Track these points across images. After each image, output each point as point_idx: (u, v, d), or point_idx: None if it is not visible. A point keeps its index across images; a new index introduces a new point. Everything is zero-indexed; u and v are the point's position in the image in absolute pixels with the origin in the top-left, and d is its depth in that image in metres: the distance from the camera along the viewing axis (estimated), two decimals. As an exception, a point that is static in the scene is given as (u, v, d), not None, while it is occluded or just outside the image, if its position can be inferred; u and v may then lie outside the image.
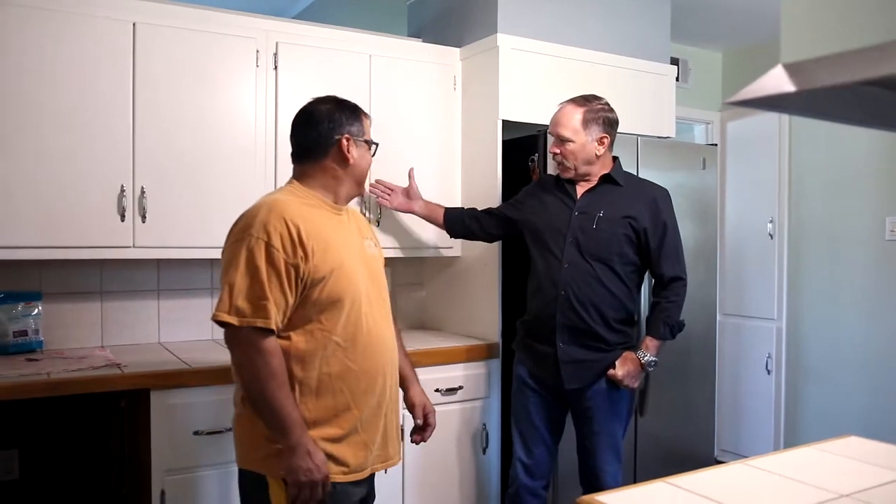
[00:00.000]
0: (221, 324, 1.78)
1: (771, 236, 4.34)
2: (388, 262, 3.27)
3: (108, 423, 2.72)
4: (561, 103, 2.62)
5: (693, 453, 3.33)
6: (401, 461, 2.51)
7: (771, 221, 4.34)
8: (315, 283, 1.83)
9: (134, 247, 2.65)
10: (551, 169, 2.96)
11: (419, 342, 3.06)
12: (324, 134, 1.98)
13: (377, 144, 2.09)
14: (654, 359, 2.54)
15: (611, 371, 2.51)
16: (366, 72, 3.08)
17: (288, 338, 1.84)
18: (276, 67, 2.90)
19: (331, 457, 1.84)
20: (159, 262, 3.02)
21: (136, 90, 2.64)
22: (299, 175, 2.01)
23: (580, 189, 2.61)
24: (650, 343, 2.55)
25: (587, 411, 2.57)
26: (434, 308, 3.54)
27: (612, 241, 2.52)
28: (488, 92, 3.11)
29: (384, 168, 3.06)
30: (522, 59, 3.10)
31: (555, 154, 2.59)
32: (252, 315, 1.75)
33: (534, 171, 3.03)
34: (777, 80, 1.09)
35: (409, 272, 3.58)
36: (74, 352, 2.74)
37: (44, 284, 2.83)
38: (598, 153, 2.56)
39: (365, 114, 2.08)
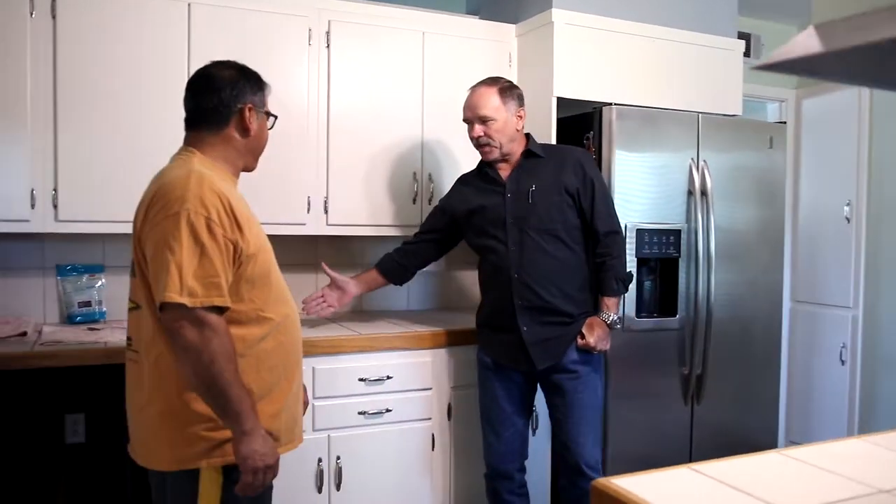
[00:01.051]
0: (167, 306, 1.62)
1: (848, 220, 4.13)
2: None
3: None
4: (470, 88, 2.58)
5: (754, 443, 3.21)
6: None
7: (848, 204, 4.12)
8: (248, 259, 1.74)
9: (189, 222, 2.71)
10: (605, 146, 2.89)
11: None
12: (225, 101, 1.84)
13: (276, 117, 1.98)
14: (616, 317, 2.56)
15: (581, 341, 2.49)
16: (419, 49, 3.06)
17: (227, 316, 1.72)
18: (328, 46, 2.91)
19: (269, 434, 1.76)
20: (216, 238, 3.09)
21: (190, 70, 2.69)
22: (196, 143, 1.85)
23: (503, 172, 2.58)
24: (609, 302, 2.53)
25: (559, 383, 2.53)
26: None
27: (552, 209, 2.49)
28: (543, 69, 3.04)
29: (438, 147, 3.04)
30: (578, 35, 3.02)
31: (479, 137, 2.52)
32: (205, 294, 1.63)
33: (589, 148, 2.96)
34: (806, 42, 1.02)
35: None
36: (134, 323, 2.84)
37: (106, 257, 2.94)
38: (518, 128, 2.55)
39: (267, 84, 1.97)
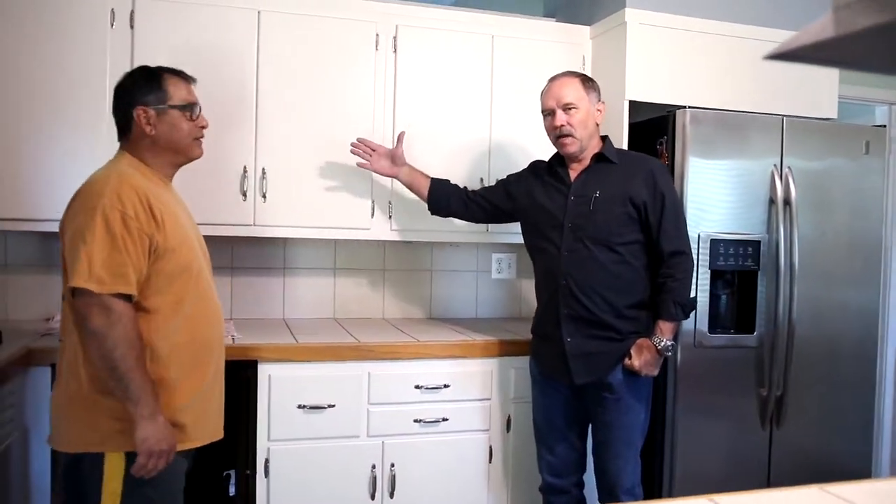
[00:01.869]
0: (74, 292, 1.73)
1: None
2: (515, 248, 3.24)
3: (231, 390, 2.88)
4: (549, 79, 2.47)
5: (843, 471, 2.97)
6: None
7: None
8: (166, 253, 1.81)
9: (254, 225, 2.77)
10: (678, 152, 2.75)
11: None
12: (121, 111, 1.93)
13: (192, 105, 1.95)
14: (670, 343, 2.36)
15: (627, 361, 2.35)
16: (488, 53, 3.01)
17: (140, 307, 1.80)
18: (395, 50, 2.91)
19: (174, 422, 1.82)
20: (286, 241, 3.15)
21: (259, 75, 2.76)
22: (125, 148, 1.94)
23: (573, 172, 2.45)
24: (664, 326, 2.35)
25: (601, 402, 2.40)
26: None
27: (611, 221, 2.34)
28: (615, 71, 2.93)
29: (506, 153, 2.98)
30: (652, 35, 2.89)
31: (561, 126, 2.38)
32: (112, 282, 1.72)
33: (662, 154, 2.83)
34: (821, 27, 0.91)
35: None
36: (202, 322, 2.93)
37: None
38: (597, 122, 2.44)
39: (176, 76, 1.96)
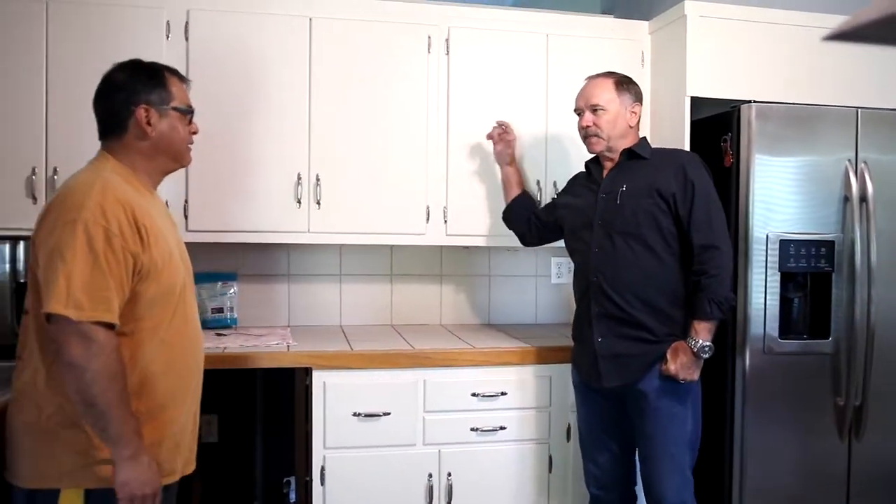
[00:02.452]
0: (49, 317, 1.55)
1: None
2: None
3: (292, 397, 2.89)
4: (585, 78, 2.45)
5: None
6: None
7: None
8: (150, 275, 1.64)
9: (309, 232, 2.77)
10: (744, 149, 2.62)
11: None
12: (118, 106, 1.73)
13: (191, 109, 1.83)
14: (706, 344, 2.22)
15: (663, 367, 2.23)
16: (542, 52, 2.94)
17: (118, 332, 1.61)
18: (447, 52, 2.87)
19: None
20: (341, 248, 3.15)
21: (312, 82, 2.75)
22: (112, 150, 1.76)
23: (605, 171, 2.40)
24: (698, 326, 2.23)
25: (640, 413, 2.29)
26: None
27: (639, 213, 2.26)
28: (676, 67, 2.82)
29: (563, 154, 2.91)
30: (714, 28, 2.76)
31: (587, 127, 2.36)
32: (92, 308, 1.53)
33: (726, 152, 2.70)
34: (881, 4, 0.83)
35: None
36: (260, 330, 2.94)
37: (239, 266, 3.07)
38: (631, 124, 2.36)
39: (177, 76, 1.83)
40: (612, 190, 2.36)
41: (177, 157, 1.84)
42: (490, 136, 2.80)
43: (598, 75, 2.44)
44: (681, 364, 2.22)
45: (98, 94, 1.77)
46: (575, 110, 2.46)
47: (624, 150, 2.38)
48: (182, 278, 1.77)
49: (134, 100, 1.73)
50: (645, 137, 2.46)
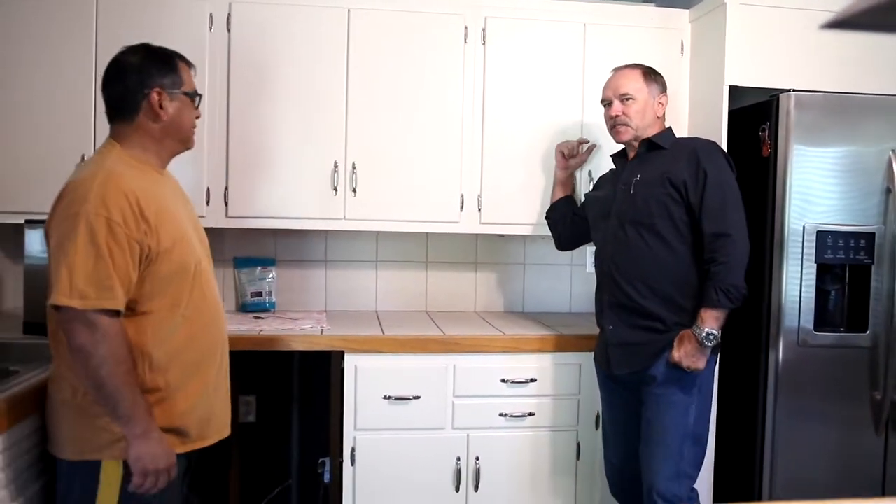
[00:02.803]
0: (60, 308, 1.61)
1: None
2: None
3: (328, 379, 2.97)
4: (612, 71, 2.47)
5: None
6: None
7: None
8: (159, 257, 1.70)
9: (345, 219, 2.83)
10: (782, 139, 2.59)
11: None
12: (132, 88, 1.77)
13: (200, 96, 1.90)
14: (710, 331, 2.19)
15: (669, 355, 2.22)
16: (579, 42, 2.93)
17: (135, 313, 1.69)
18: (484, 42, 2.89)
19: (175, 429, 1.75)
20: (378, 235, 3.20)
21: (349, 72, 2.81)
22: (116, 135, 1.81)
23: (628, 162, 2.41)
24: (705, 314, 2.20)
25: (645, 397, 2.29)
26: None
27: (650, 202, 2.26)
28: (715, 55, 2.79)
29: (600, 143, 2.89)
30: (755, 15, 2.72)
31: (616, 116, 2.37)
32: (96, 297, 1.60)
33: (764, 142, 2.67)
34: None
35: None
36: (296, 314, 3.02)
37: (278, 252, 3.16)
38: (658, 114, 2.36)
39: (185, 62, 1.87)
40: (629, 180, 2.36)
41: (184, 140, 1.89)
42: (572, 153, 2.82)
43: (625, 66, 2.46)
44: (685, 352, 2.21)
45: (108, 77, 1.81)
46: (602, 101, 2.47)
47: (643, 140, 2.38)
48: (197, 256, 1.82)
49: (148, 83, 1.78)
50: (670, 128, 2.45)
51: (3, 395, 1.71)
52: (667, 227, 2.26)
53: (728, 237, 2.20)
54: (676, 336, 2.25)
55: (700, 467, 2.33)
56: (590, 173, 2.92)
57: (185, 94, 1.84)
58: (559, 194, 2.83)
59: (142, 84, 1.78)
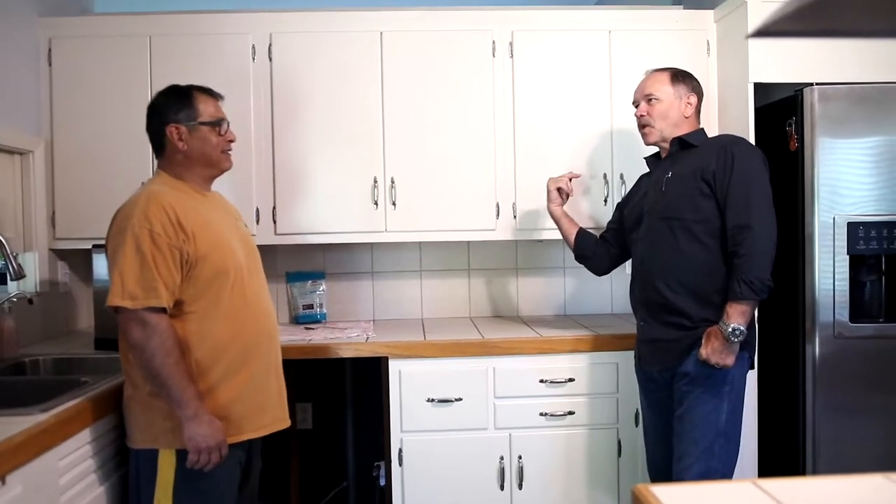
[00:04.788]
0: (116, 309, 1.88)
1: None
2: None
3: (380, 385, 3.10)
4: (644, 72, 2.50)
5: None
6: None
7: None
8: (198, 261, 1.92)
9: (386, 231, 2.98)
10: (808, 133, 2.61)
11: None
12: (155, 128, 2.04)
13: (220, 121, 2.06)
14: (737, 327, 2.15)
15: (698, 352, 2.22)
16: (605, 49, 3.01)
17: (182, 314, 1.93)
18: (511, 55, 3.00)
19: (225, 417, 1.93)
20: (421, 245, 3.34)
21: (384, 91, 2.96)
22: (160, 166, 2.09)
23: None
24: (730, 309, 2.18)
25: (677, 395, 2.29)
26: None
27: (682, 198, 2.27)
28: (738, 54, 2.83)
29: (629, 148, 2.96)
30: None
31: (641, 116, 2.40)
32: (144, 297, 1.85)
33: (791, 136, 2.69)
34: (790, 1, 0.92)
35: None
36: (345, 324, 3.18)
37: (327, 265, 3.32)
38: (686, 114, 2.35)
39: (205, 93, 2.07)
40: (661, 178, 2.39)
41: (211, 164, 2.09)
42: (560, 189, 2.73)
43: (657, 69, 2.49)
44: (712, 349, 2.20)
45: (146, 120, 2.09)
46: (633, 103, 2.51)
47: (674, 138, 2.38)
48: (237, 261, 2.02)
49: (164, 120, 2.03)
50: (702, 129, 2.44)
51: (86, 395, 1.97)
52: (698, 222, 2.26)
53: (749, 229, 2.17)
54: (704, 333, 2.24)
55: (734, 466, 2.29)
56: (622, 176, 2.99)
57: (203, 123, 2.03)
58: (573, 227, 2.75)
59: (161, 123, 2.03)
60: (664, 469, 2.45)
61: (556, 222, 2.78)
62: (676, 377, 2.32)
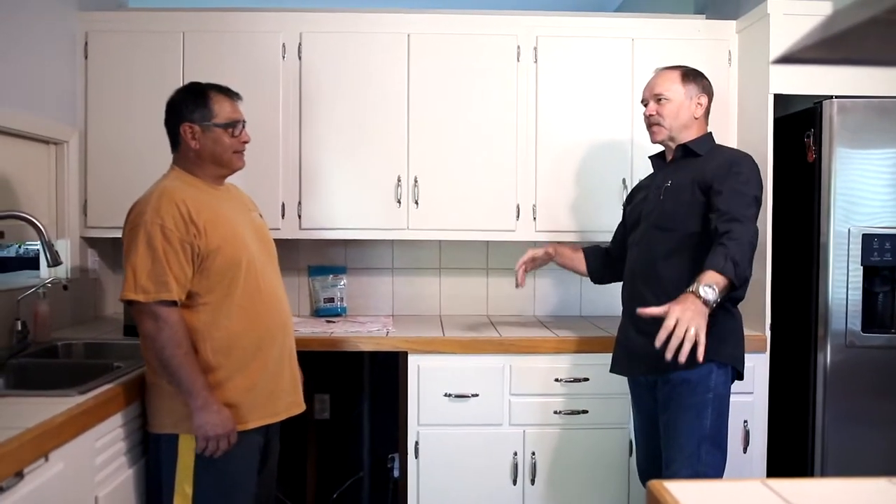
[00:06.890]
0: (129, 302, 1.95)
1: None
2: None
3: (396, 380, 3.18)
4: (654, 71, 2.46)
5: None
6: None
7: None
8: (210, 254, 1.98)
9: (408, 229, 3.05)
10: (826, 145, 2.66)
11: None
12: (170, 126, 2.11)
13: (235, 122, 2.10)
14: (712, 291, 1.91)
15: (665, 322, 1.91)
16: (628, 56, 3.07)
17: (195, 306, 1.99)
18: (535, 60, 3.06)
19: (241, 403, 2.01)
20: (441, 244, 3.41)
21: (410, 92, 3.03)
22: (175, 161, 2.15)
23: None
24: (705, 275, 1.94)
25: (660, 400, 2.28)
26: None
27: (678, 208, 2.23)
28: (759, 65, 2.88)
29: (649, 154, 3.01)
30: (798, 25, 2.77)
31: (650, 116, 2.35)
32: (156, 291, 1.91)
33: (809, 148, 2.74)
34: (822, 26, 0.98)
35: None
36: (365, 318, 3.25)
37: (348, 261, 3.40)
38: (696, 115, 2.33)
39: (223, 93, 2.12)
40: (661, 185, 2.35)
41: (222, 164, 2.14)
42: (535, 258, 2.70)
43: (666, 67, 2.45)
44: (682, 307, 1.89)
45: (165, 115, 2.15)
46: (641, 101, 2.47)
47: (679, 146, 2.35)
48: (250, 252, 2.08)
49: (180, 119, 2.09)
50: (710, 133, 2.41)
51: (120, 380, 2.06)
52: (691, 232, 2.21)
53: (741, 223, 2.04)
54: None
55: (722, 472, 2.23)
56: (624, 181, 3.05)
57: (217, 125, 2.08)
58: (576, 254, 2.71)
59: (177, 120, 2.09)
60: (648, 472, 2.44)
61: (562, 266, 2.77)
62: (659, 383, 2.29)
